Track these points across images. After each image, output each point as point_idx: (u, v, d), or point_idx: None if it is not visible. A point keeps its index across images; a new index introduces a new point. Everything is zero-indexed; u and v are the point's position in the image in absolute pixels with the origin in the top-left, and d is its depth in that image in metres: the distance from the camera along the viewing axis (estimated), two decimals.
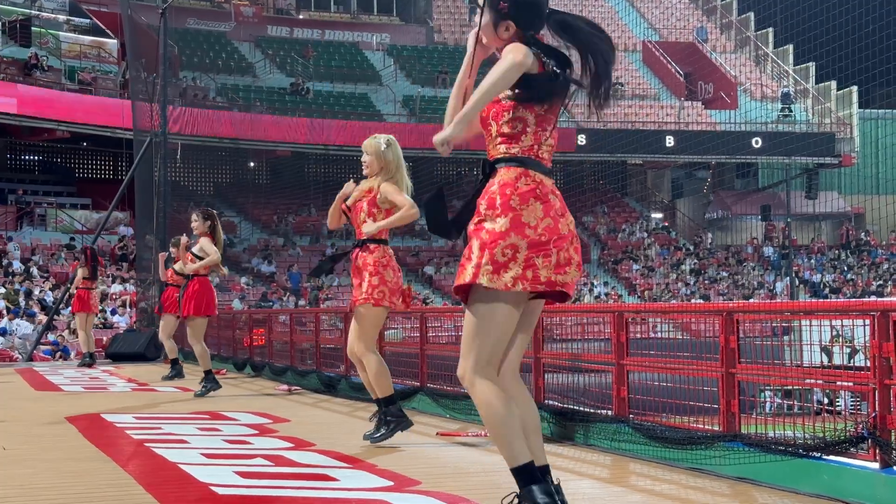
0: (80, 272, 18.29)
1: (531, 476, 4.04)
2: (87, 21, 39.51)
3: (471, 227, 4.05)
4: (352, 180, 7.37)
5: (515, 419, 4.06)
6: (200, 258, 11.86)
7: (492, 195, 4.03)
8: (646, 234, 42.84)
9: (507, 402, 4.06)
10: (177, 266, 14.12)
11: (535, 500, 4.00)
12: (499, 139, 4.10)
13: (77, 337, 20.08)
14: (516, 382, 4.23)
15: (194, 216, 12.01)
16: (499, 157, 4.10)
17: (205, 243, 11.82)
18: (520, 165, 4.04)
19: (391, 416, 7.30)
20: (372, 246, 7.23)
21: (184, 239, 14.10)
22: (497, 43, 4.12)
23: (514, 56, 3.93)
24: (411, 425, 7.37)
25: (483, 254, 3.96)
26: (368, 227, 7.17)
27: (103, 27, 38.81)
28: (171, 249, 14.71)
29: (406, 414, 7.41)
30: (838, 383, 5.85)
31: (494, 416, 4.06)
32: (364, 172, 7.31)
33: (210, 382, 11.82)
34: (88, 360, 17.99)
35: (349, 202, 7.32)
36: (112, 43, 38.09)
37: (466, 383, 4.07)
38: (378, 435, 7.25)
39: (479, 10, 4.13)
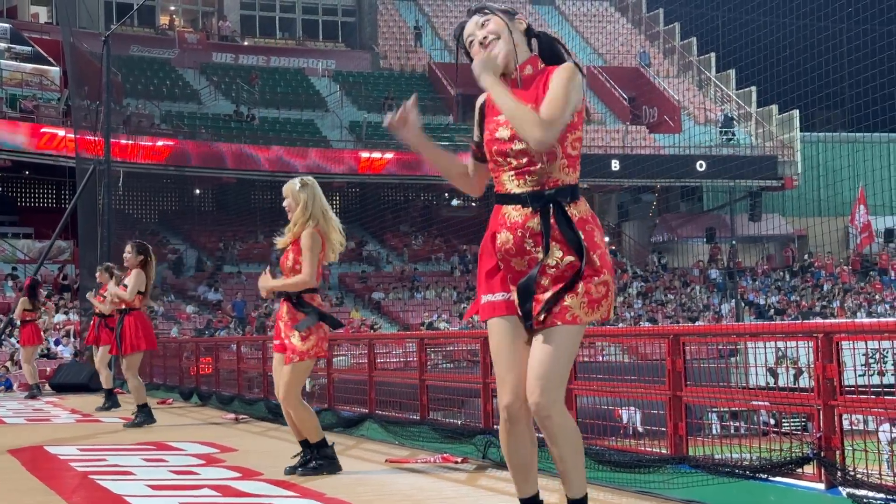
0: (21, 303, 18.13)
1: None
2: (29, 49, 39.17)
3: (569, 259, 3.85)
4: (267, 271, 7.27)
5: None
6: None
7: (589, 229, 3.89)
8: None
9: None
10: (105, 293, 13.84)
11: None
12: (566, 161, 3.89)
13: (21, 368, 19.84)
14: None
15: (128, 248, 11.82)
16: (573, 184, 3.91)
17: (131, 278, 11.62)
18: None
19: (325, 458, 7.21)
20: (306, 297, 7.17)
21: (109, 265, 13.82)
22: (518, 44, 3.92)
23: (576, 76, 3.81)
24: (339, 471, 7.24)
25: (608, 290, 3.87)
26: (264, 283, 7.16)
27: (45, 55, 38.50)
28: (97, 274, 14.49)
29: (337, 458, 7.31)
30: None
31: (579, 441, 3.96)
32: (289, 217, 7.27)
33: (144, 415, 11.59)
34: (35, 392, 17.77)
35: (279, 245, 7.26)
36: (54, 70, 37.76)
37: (555, 413, 3.82)
38: (302, 468, 7.15)
39: (488, 20, 3.94)
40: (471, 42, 3.99)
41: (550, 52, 4.01)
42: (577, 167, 3.92)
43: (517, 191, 3.87)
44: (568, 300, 3.82)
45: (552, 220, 3.84)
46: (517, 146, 3.85)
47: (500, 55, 3.87)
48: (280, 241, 7.24)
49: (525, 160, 3.85)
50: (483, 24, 3.95)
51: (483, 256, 4.03)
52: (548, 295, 3.83)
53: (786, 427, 5.98)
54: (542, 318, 3.82)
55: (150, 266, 11.70)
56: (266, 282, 7.18)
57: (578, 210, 3.88)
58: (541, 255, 3.85)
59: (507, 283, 3.94)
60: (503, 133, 3.88)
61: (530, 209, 3.84)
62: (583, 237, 3.84)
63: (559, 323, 3.82)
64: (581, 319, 3.84)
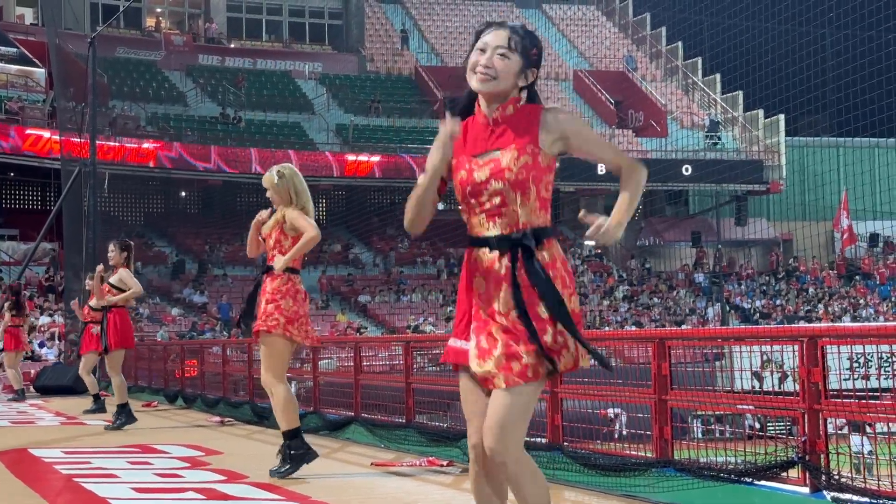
0: (6, 309, 18.02)
1: None
2: (14, 50, 39.03)
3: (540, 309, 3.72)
4: (266, 210, 7.38)
5: None
6: (119, 289, 11.63)
7: (562, 274, 3.79)
8: (579, 262, 43.11)
9: None
10: (91, 303, 13.86)
11: None
12: (538, 204, 3.78)
13: (5, 372, 19.78)
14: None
15: (111, 247, 11.82)
16: (546, 226, 3.80)
17: (124, 275, 11.60)
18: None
19: (296, 450, 7.19)
20: (275, 273, 7.22)
21: (99, 267, 13.86)
22: (513, 87, 3.77)
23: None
24: (317, 456, 7.26)
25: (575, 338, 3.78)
26: (278, 264, 7.16)
27: (31, 56, 38.38)
28: (87, 282, 14.46)
29: (310, 445, 7.30)
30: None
31: (543, 482, 3.90)
32: (274, 206, 7.33)
33: (125, 416, 11.57)
34: (20, 397, 17.72)
35: (263, 232, 7.32)
36: (40, 72, 37.66)
37: (510, 460, 3.74)
38: (283, 470, 7.12)
39: (507, 54, 3.71)
40: (483, 49, 3.77)
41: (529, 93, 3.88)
42: (548, 209, 3.84)
43: (486, 234, 3.78)
44: (560, 345, 3.76)
45: (518, 265, 3.72)
46: (493, 186, 3.73)
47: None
48: (270, 221, 7.29)
49: (498, 201, 3.75)
50: (504, 55, 3.73)
51: (461, 295, 3.94)
52: (497, 351, 3.70)
53: (771, 431, 6.00)
54: (495, 380, 3.71)
55: (130, 263, 11.71)
56: (279, 262, 7.16)
57: (548, 253, 3.78)
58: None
59: (469, 331, 3.84)
60: (480, 175, 3.75)
61: (497, 252, 3.75)
62: (560, 283, 3.76)
63: (520, 382, 3.70)
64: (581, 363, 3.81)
